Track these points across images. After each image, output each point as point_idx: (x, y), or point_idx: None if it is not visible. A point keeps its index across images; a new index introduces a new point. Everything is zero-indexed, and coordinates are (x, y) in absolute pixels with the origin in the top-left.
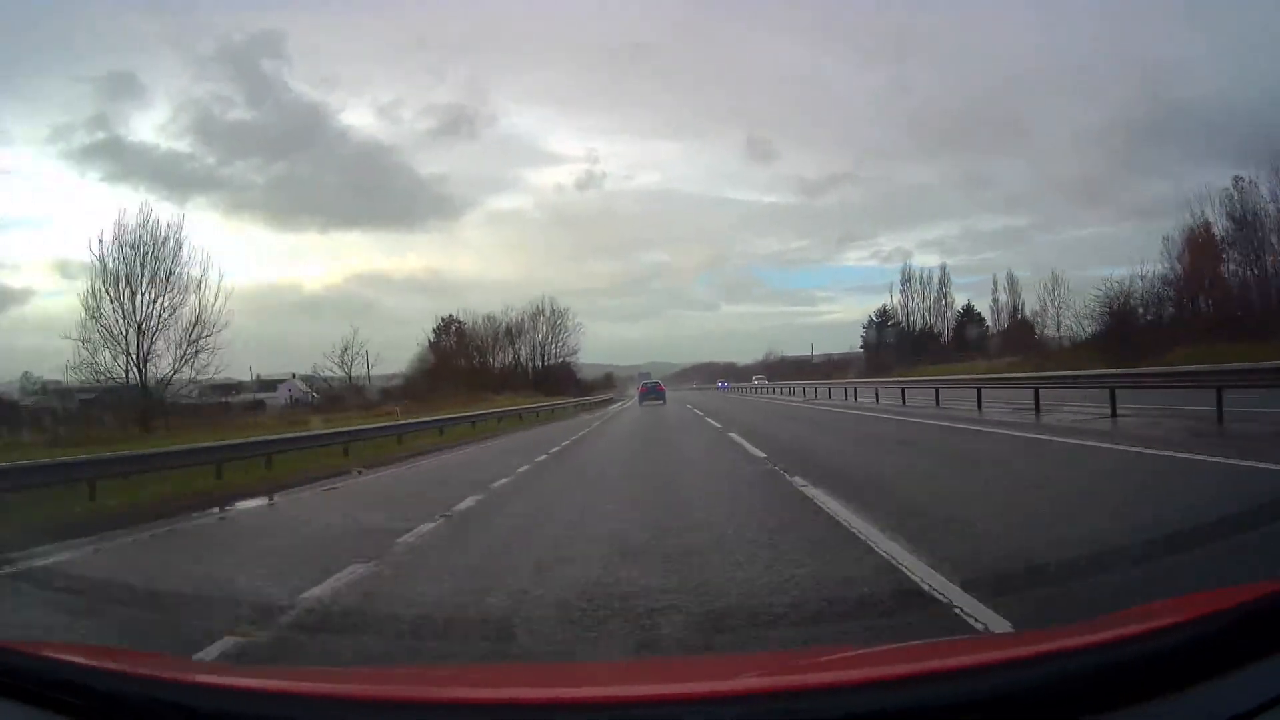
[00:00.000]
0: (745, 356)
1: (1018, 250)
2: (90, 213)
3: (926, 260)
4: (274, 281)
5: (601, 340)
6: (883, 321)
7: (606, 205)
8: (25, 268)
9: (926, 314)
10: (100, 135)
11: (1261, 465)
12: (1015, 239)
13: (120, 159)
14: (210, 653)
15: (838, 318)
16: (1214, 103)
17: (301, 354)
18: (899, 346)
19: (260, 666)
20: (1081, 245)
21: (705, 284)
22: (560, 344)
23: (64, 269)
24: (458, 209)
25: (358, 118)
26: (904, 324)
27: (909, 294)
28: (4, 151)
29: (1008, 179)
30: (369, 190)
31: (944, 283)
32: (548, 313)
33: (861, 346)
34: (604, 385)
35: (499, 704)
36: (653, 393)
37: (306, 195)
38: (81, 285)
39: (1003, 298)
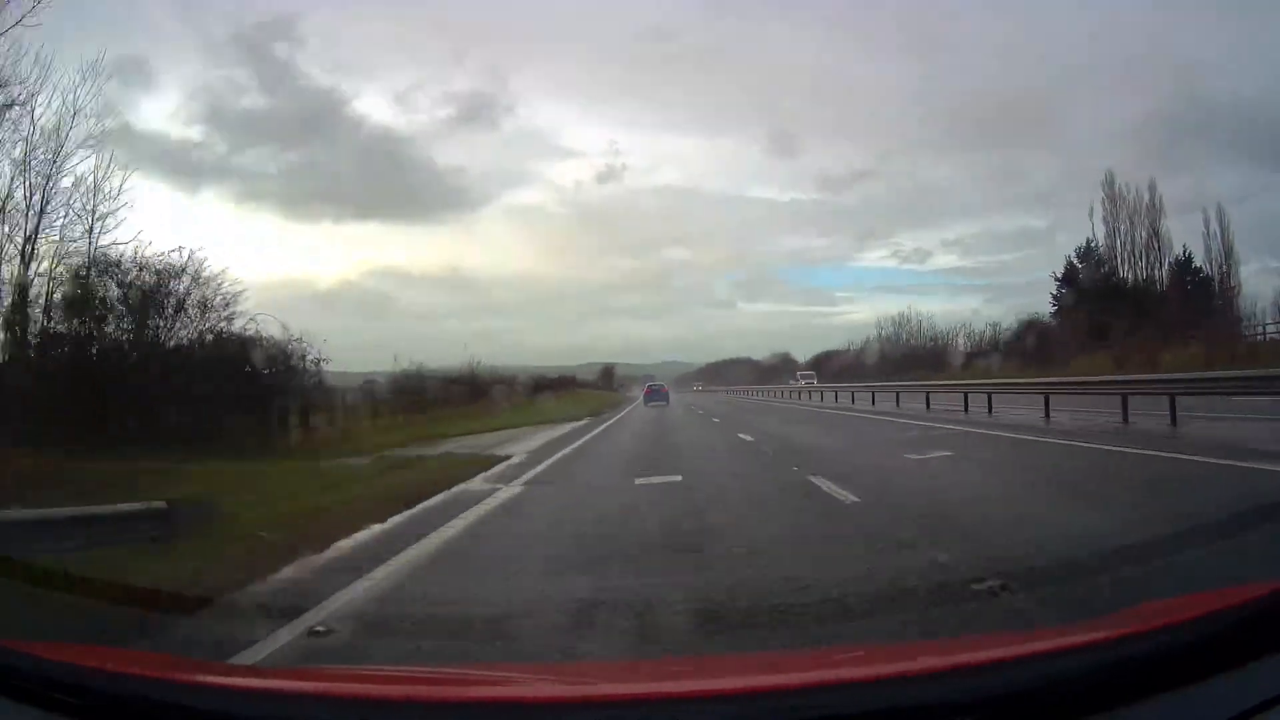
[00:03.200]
0: (762, 354)
1: (1039, 250)
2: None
3: (945, 260)
4: (287, 274)
5: (618, 337)
6: (1092, 263)
7: (627, 201)
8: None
9: (1137, 261)
10: (108, 122)
11: None
12: (1036, 239)
13: (128, 147)
14: None
15: (857, 318)
16: (1240, 102)
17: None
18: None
19: (260, 667)
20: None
21: (726, 282)
22: None
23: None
24: (476, 203)
25: (373, 105)
26: (1116, 272)
27: (1114, 224)
28: None
29: (1031, 178)
30: (385, 181)
31: (1155, 211)
32: None
33: (1054, 308)
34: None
35: (498, 703)
36: (657, 395)
37: (320, 185)
38: None
39: (1214, 245)
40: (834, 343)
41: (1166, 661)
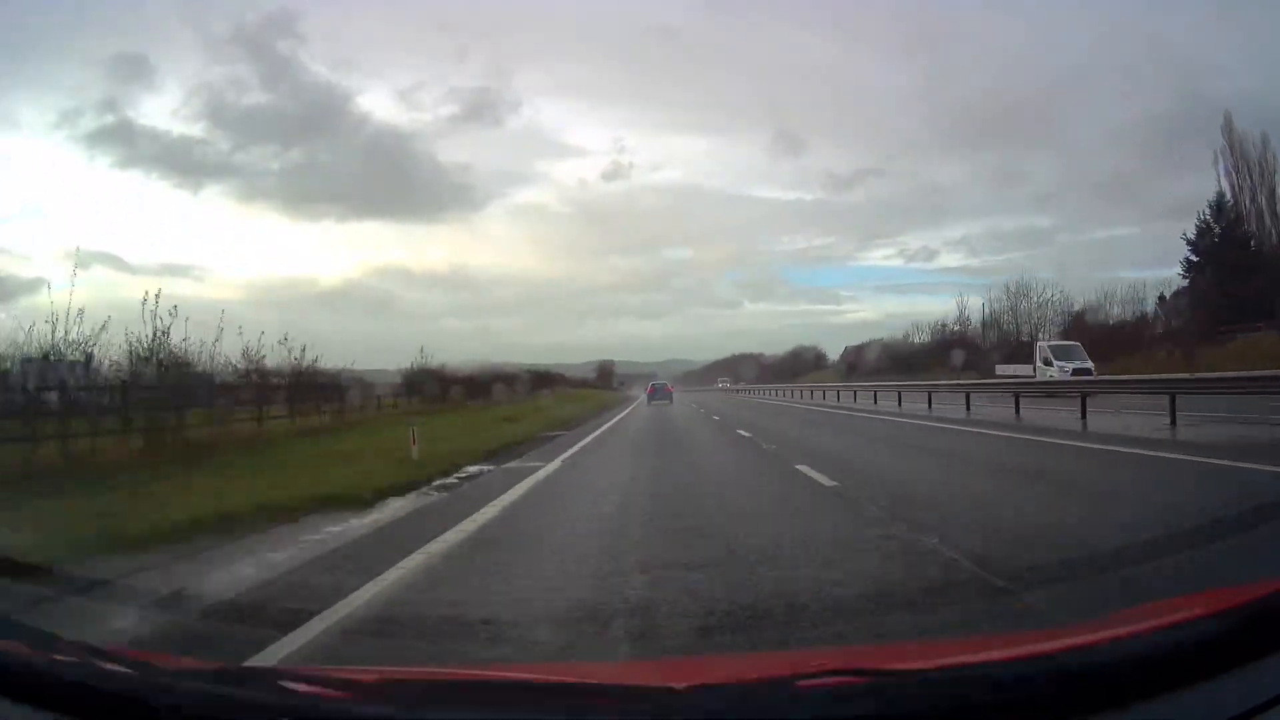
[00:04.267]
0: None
1: (1042, 250)
2: (100, 199)
3: (950, 259)
4: (290, 273)
5: (620, 335)
6: (1230, 225)
7: (631, 200)
8: (33, 256)
9: (1264, 213)
10: (109, 120)
11: None
12: (1040, 239)
13: (131, 144)
14: None
15: (861, 316)
16: (1247, 103)
17: (316, 348)
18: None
19: (260, 667)
20: (1105, 246)
21: (729, 281)
22: None
23: (71, 257)
24: (480, 201)
25: (377, 102)
26: (1255, 232)
27: (1240, 172)
28: (9, 136)
29: (1036, 177)
30: (388, 178)
31: (1272, 170)
32: None
33: (1186, 278)
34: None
35: (497, 686)
36: (660, 393)
37: (323, 183)
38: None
39: None
40: (837, 341)
41: (1167, 661)
